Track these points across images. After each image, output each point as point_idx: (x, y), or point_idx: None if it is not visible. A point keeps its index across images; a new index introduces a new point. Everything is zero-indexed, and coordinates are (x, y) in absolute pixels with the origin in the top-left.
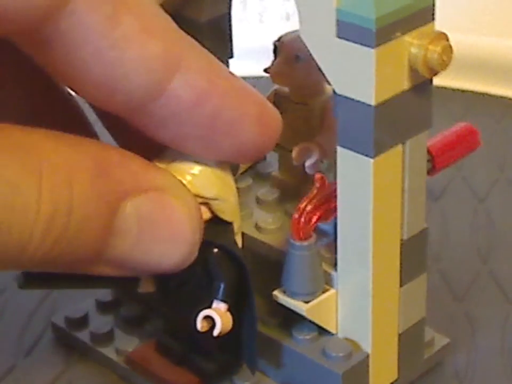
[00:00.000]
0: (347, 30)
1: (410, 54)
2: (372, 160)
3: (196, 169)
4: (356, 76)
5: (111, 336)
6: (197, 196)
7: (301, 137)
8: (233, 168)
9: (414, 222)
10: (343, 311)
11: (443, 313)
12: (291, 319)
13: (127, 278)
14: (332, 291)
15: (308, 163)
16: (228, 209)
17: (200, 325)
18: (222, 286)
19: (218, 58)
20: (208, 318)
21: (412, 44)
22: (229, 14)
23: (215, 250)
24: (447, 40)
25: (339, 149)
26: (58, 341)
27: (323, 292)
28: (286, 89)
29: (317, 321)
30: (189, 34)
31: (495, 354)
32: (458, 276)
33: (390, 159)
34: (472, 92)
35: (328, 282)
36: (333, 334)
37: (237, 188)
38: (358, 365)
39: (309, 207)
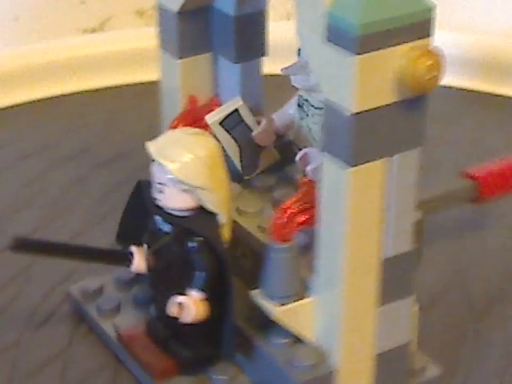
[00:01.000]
0: (335, 34)
1: (400, 67)
2: (349, 169)
3: (186, 157)
4: (340, 81)
5: (115, 313)
6: (182, 182)
7: (319, 142)
8: (250, 166)
9: (398, 241)
10: (318, 320)
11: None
12: (273, 322)
13: (120, 255)
14: (309, 299)
15: (309, 168)
16: (214, 201)
17: (171, 309)
18: (200, 275)
19: (250, 55)
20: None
21: (401, 57)
22: (264, 12)
23: (196, 239)
24: (440, 57)
25: (323, 154)
26: (72, 313)
27: (300, 299)
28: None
29: (288, 326)
30: (219, 27)
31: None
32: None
33: (371, 172)
34: (476, 91)
35: (308, 290)
36: (308, 343)
37: (256, 186)
38: (321, 377)
39: (290, 210)
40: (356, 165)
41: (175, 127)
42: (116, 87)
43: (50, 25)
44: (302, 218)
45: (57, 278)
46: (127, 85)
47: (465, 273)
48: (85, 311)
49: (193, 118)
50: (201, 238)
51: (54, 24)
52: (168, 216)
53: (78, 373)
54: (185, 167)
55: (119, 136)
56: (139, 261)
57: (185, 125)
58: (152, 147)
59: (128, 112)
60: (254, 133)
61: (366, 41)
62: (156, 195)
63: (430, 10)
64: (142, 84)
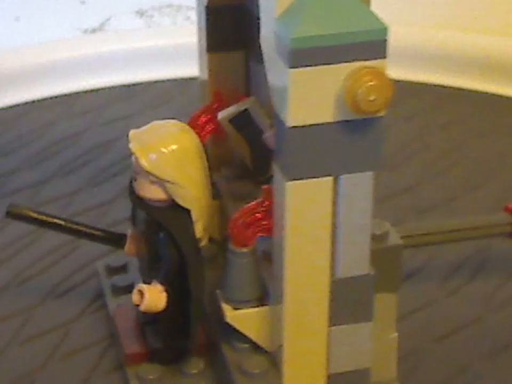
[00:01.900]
0: (279, 43)
1: (341, 86)
2: (287, 183)
3: (158, 149)
4: (280, 92)
5: (126, 292)
6: (152, 174)
7: None
8: (261, 167)
9: (349, 264)
10: (272, 330)
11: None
12: None
13: (115, 237)
14: (263, 308)
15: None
16: (184, 196)
17: (134, 296)
18: (163, 268)
19: None
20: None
21: (343, 75)
22: None
23: (163, 232)
24: (387, 80)
25: (273, 165)
26: (94, 287)
27: (258, 305)
28: None
29: (242, 332)
30: (249, 27)
31: None
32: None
33: (313, 189)
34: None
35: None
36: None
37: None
38: None
39: (247, 216)
40: (292, 180)
41: (194, 121)
42: (116, 87)
43: (50, 25)
44: (260, 226)
45: (98, 254)
46: (128, 85)
47: (497, 311)
48: (102, 287)
49: (214, 113)
50: (166, 231)
51: (54, 24)
52: (142, 205)
53: (72, 345)
54: (155, 159)
55: (119, 137)
56: (129, 245)
57: (206, 119)
58: (132, 136)
59: (129, 112)
60: (264, 135)
61: (299, 55)
62: (133, 183)
63: (381, 30)
64: (142, 83)
